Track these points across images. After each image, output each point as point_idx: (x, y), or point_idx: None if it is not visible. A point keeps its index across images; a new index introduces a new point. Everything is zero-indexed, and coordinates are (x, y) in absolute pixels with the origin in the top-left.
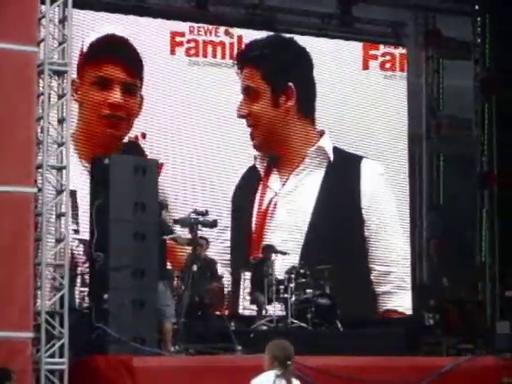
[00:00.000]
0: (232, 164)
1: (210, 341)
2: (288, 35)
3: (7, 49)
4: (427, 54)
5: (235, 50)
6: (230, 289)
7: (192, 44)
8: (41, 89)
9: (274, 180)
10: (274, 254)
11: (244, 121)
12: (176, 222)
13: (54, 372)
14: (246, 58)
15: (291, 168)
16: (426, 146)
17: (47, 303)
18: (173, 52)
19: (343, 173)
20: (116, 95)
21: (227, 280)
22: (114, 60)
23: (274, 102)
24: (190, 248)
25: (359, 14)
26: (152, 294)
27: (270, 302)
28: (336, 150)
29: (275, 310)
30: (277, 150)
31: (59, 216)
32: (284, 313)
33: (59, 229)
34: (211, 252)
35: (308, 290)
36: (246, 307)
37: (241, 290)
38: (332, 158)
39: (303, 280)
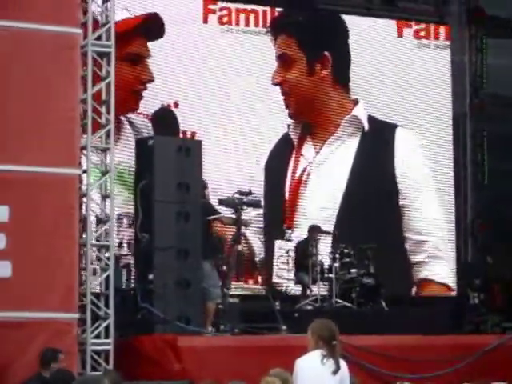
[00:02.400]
0: (266, 132)
1: (255, 320)
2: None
3: (51, 31)
4: (470, 33)
5: (268, 18)
6: (261, 256)
7: (225, 12)
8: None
9: (308, 149)
10: (319, 234)
11: (278, 88)
12: (221, 202)
13: (100, 353)
14: (281, 25)
15: (325, 136)
16: (469, 124)
17: (93, 284)
18: (205, 20)
19: (378, 141)
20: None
21: (258, 247)
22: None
23: (309, 70)
24: (235, 228)
25: None
26: (196, 274)
27: (314, 281)
28: (371, 118)
29: (320, 289)
30: (311, 118)
31: (104, 197)
32: (328, 293)
33: (104, 210)
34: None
35: (352, 270)
36: (291, 278)
37: (274, 259)
38: (367, 127)
39: (347, 259)
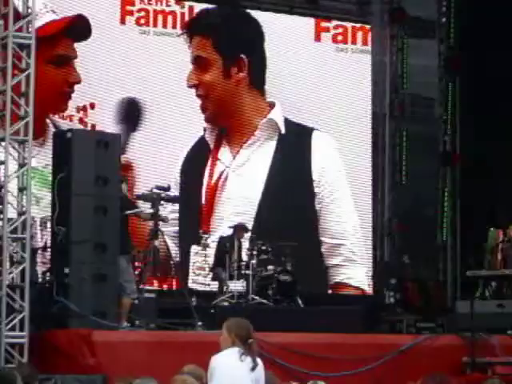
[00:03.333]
0: (181, 135)
1: (171, 316)
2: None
3: None
4: (392, 32)
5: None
6: (177, 260)
7: (142, 13)
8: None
9: (224, 152)
10: (245, 234)
11: (193, 91)
12: (139, 197)
13: (14, 345)
14: (197, 27)
15: (242, 140)
16: (389, 124)
17: (8, 276)
18: (123, 21)
19: (294, 145)
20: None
21: (174, 252)
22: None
23: (225, 73)
24: (152, 223)
25: None
26: (113, 269)
27: (231, 278)
28: (287, 121)
29: (236, 286)
30: (227, 122)
31: (21, 189)
32: (245, 289)
33: (21, 202)
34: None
35: (269, 267)
36: (206, 283)
37: (190, 264)
38: (283, 130)
39: (265, 256)
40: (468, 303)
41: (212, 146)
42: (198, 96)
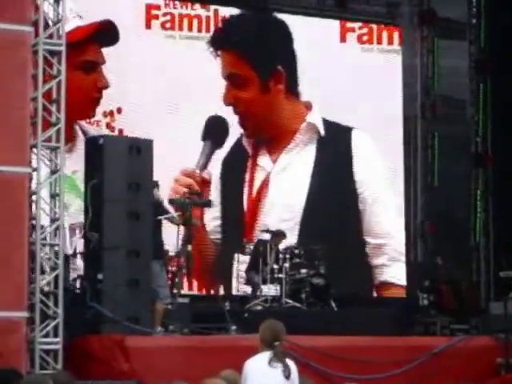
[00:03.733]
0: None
1: (205, 321)
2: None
3: (1, 28)
4: (422, 34)
5: (212, 23)
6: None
7: (168, 17)
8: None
9: (264, 158)
10: (283, 239)
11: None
12: (171, 201)
13: (49, 352)
14: (224, 41)
15: (281, 146)
16: (420, 125)
17: (42, 283)
18: (148, 25)
19: (334, 145)
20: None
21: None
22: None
23: (263, 88)
24: (185, 228)
25: None
26: (146, 274)
27: (264, 282)
28: (326, 122)
29: (270, 290)
30: (267, 133)
31: (53, 196)
32: (278, 293)
33: (53, 208)
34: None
35: (302, 270)
36: (240, 287)
37: (233, 272)
38: (323, 132)
39: (298, 260)
40: (501, 304)
41: (250, 151)
42: (237, 113)
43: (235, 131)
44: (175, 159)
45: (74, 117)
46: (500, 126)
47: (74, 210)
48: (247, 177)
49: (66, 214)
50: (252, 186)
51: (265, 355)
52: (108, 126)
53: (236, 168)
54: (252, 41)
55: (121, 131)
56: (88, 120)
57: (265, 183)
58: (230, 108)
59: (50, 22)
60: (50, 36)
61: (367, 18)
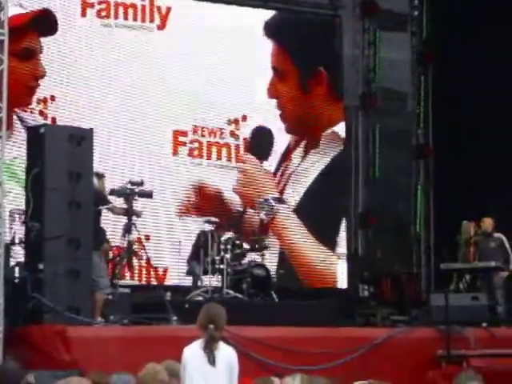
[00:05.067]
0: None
1: (146, 311)
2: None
3: None
4: (364, 26)
5: (147, 13)
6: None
7: (103, 6)
8: None
9: (297, 156)
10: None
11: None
12: (112, 192)
13: None
14: (274, 33)
15: (310, 147)
16: (361, 118)
17: None
18: (83, 14)
19: None
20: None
21: None
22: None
23: (302, 87)
24: (126, 218)
25: None
26: (87, 264)
27: (205, 272)
28: None
29: (211, 280)
30: (305, 134)
31: None
32: (220, 283)
33: None
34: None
35: (244, 261)
36: (181, 277)
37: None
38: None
39: (239, 251)
40: (442, 296)
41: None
42: (279, 108)
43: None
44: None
45: (11, 105)
46: (441, 118)
47: (13, 196)
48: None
49: (6, 200)
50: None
51: (200, 341)
52: (41, 113)
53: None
54: (296, 38)
55: (53, 119)
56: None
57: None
58: None
59: None
60: None
61: (310, 9)
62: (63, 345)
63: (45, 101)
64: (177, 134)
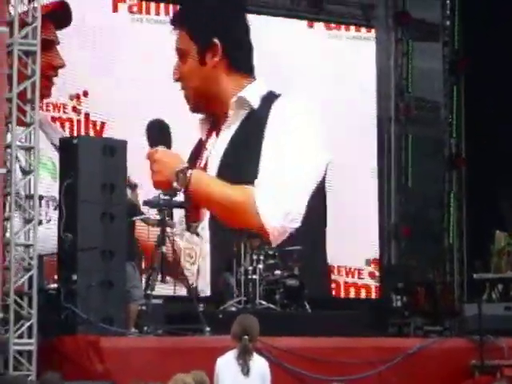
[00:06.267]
0: (181, 130)
1: (179, 322)
2: None
3: None
4: (396, 36)
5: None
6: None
7: (135, 1)
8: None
9: (210, 141)
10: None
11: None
12: (145, 203)
13: (23, 353)
14: (178, 20)
15: (221, 124)
16: (394, 126)
17: (16, 284)
18: (115, 9)
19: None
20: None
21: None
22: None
23: (200, 61)
24: (159, 229)
25: None
26: (120, 275)
27: (238, 283)
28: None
29: (244, 291)
30: (209, 109)
31: (28, 196)
32: (252, 294)
33: (28, 209)
34: None
35: (276, 272)
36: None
37: (182, 250)
38: (256, 105)
39: (272, 261)
40: (475, 306)
41: (203, 137)
42: (182, 88)
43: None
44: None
45: None
46: (473, 127)
47: (45, 183)
48: (198, 162)
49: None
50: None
51: (234, 351)
52: (74, 109)
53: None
54: (196, 18)
55: (87, 115)
56: (53, 103)
57: (205, 165)
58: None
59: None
60: (25, 36)
61: (342, 20)
62: (96, 355)
63: (78, 96)
64: None
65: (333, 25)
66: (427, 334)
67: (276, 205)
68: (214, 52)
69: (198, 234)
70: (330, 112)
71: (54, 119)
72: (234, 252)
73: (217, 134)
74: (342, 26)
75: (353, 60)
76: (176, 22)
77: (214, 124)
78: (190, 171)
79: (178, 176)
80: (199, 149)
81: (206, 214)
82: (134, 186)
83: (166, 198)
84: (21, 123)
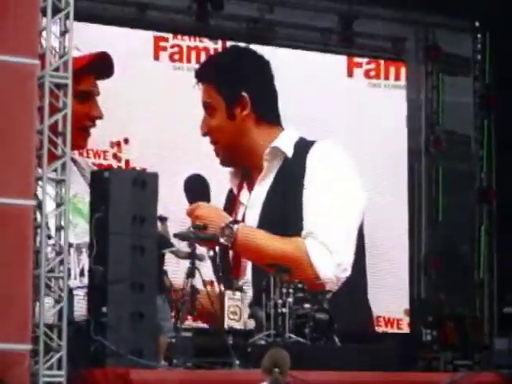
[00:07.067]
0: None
1: (208, 355)
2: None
3: (8, 61)
4: (427, 70)
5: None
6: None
7: (176, 49)
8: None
9: (244, 193)
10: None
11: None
12: (175, 235)
13: None
14: (204, 74)
15: (255, 176)
16: (424, 160)
17: (46, 315)
18: (156, 57)
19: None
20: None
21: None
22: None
23: (229, 115)
24: (189, 262)
25: (360, 28)
26: (150, 307)
27: (268, 316)
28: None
29: (273, 324)
30: (242, 163)
31: (58, 229)
32: (282, 328)
33: (58, 241)
34: None
35: (306, 305)
36: (245, 322)
37: (225, 308)
38: (290, 154)
39: (301, 294)
40: (505, 340)
41: (236, 191)
42: (211, 143)
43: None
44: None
45: None
46: (504, 161)
47: (80, 230)
48: (233, 216)
49: (74, 234)
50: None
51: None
52: (115, 156)
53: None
54: (222, 72)
55: (128, 162)
56: (94, 150)
57: (242, 219)
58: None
59: (57, 56)
60: (57, 69)
61: (372, 54)
62: None
63: (118, 144)
64: None
65: (372, 73)
66: (457, 368)
67: (328, 255)
68: (242, 106)
69: (241, 290)
70: (364, 153)
71: (94, 165)
72: (263, 286)
73: (250, 187)
74: (382, 75)
75: (384, 101)
76: (201, 75)
77: (245, 176)
78: (236, 226)
79: (223, 231)
80: (233, 202)
81: (249, 269)
82: (163, 219)
83: (196, 230)
84: (52, 156)
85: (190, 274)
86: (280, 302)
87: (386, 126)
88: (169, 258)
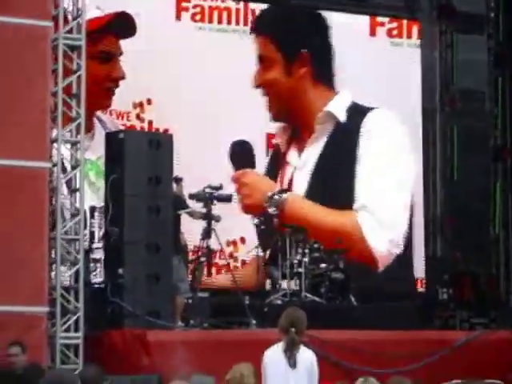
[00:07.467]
0: (247, 135)
1: (225, 315)
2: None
3: (22, 23)
4: (441, 29)
5: (241, 16)
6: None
7: (198, 9)
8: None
9: (292, 154)
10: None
11: (255, 90)
12: (191, 196)
13: (69, 346)
14: (260, 27)
15: (306, 138)
16: (439, 119)
17: (62, 278)
18: (178, 17)
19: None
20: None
21: None
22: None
23: (287, 71)
24: (205, 222)
25: None
26: (166, 268)
27: (283, 276)
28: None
29: (289, 284)
30: (293, 120)
31: (74, 191)
32: (298, 287)
33: (74, 203)
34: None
35: (322, 265)
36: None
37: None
38: (343, 118)
39: (317, 254)
40: None
41: (283, 149)
42: (264, 95)
43: (263, 127)
44: (203, 154)
45: (90, 107)
46: None
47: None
48: (279, 176)
49: (97, 196)
50: (282, 184)
51: (281, 344)
52: (138, 117)
53: (269, 167)
54: (282, 25)
55: (150, 122)
56: (117, 111)
57: (291, 181)
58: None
59: (70, 17)
60: (70, 31)
61: (386, 12)
62: (143, 349)
63: (141, 104)
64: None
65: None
66: (473, 326)
67: (381, 230)
68: (301, 63)
69: None
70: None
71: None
72: (279, 246)
73: (300, 148)
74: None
75: (400, 60)
76: (258, 28)
77: (293, 136)
78: (284, 195)
79: (271, 200)
80: (280, 162)
81: None
82: (179, 180)
83: (212, 191)
84: (67, 118)
85: (206, 234)
86: (296, 262)
87: (402, 86)
88: (184, 218)
